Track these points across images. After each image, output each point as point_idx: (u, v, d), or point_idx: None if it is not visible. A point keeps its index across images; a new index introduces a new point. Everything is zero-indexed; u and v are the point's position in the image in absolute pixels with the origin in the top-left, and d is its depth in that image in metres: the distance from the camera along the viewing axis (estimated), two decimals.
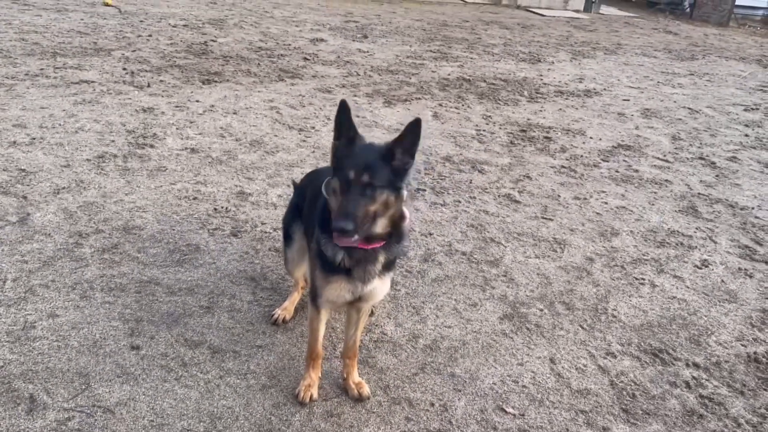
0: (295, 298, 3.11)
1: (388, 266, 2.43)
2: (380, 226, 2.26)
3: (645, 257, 4.07)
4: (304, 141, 5.34)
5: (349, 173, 2.13)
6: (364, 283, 2.38)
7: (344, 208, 2.11)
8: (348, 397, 2.65)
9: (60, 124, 4.98)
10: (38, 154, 4.42)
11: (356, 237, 2.14)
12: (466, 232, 4.13)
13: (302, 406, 2.55)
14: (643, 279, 3.80)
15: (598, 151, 5.96)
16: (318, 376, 2.65)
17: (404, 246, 2.47)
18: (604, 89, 8.37)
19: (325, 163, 4.87)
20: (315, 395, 2.60)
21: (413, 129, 2.22)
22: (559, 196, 4.85)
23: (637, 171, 5.55)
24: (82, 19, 8.51)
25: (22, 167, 4.19)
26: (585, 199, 4.85)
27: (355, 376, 2.68)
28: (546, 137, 6.16)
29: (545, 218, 4.45)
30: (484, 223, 4.26)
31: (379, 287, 2.46)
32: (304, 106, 6.23)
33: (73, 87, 5.85)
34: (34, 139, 4.65)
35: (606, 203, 4.82)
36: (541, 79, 8.53)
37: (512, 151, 5.71)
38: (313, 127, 5.68)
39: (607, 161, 5.72)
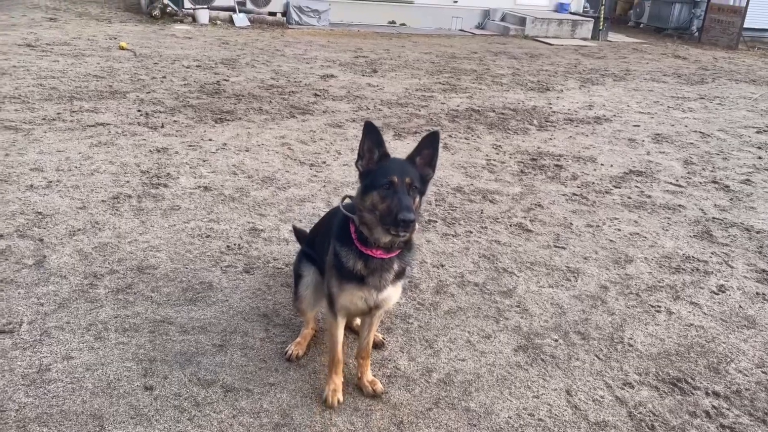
0: (308, 334, 3.11)
1: (399, 275, 2.64)
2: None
3: (660, 284, 4.02)
4: (315, 176, 5.39)
5: (394, 178, 2.39)
6: (379, 291, 2.58)
7: (402, 203, 2.33)
8: (363, 395, 2.81)
9: (76, 167, 5.08)
10: (55, 197, 4.51)
11: (416, 226, 2.41)
12: (478, 262, 4.11)
13: (330, 409, 2.71)
14: (659, 306, 3.75)
15: (609, 177, 5.94)
16: (341, 380, 2.82)
17: (413, 256, 2.75)
18: (614, 115, 8.39)
19: (336, 197, 4.92)
20: (341, 398, 2.78)
21: (432, 142, 2.51)
22: (571, 224, 4.84)
23: (649, 197, 5.52)
24: (98, 63, 8.74)
25: (39, 210, 4.27)
26: (598, 226, 4.83)
27: (369, 375, 2.89)
28: (557, 165, 6.16)
29: (558, 247, 4.42)
30: (497, 254, 4.25)
31: (393, 294, 2.66)
32: (315, 142, 6.31)
33: (89, 130, 5.98)
34: (50, 182, 4.74)
35: (619, 230, 4.79)
36: (551, 108, 8.57)
37: (523, 180, 5.72)
38: (324, 162, 5.74)
39: (619, 187, 5.70)
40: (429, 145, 2.51)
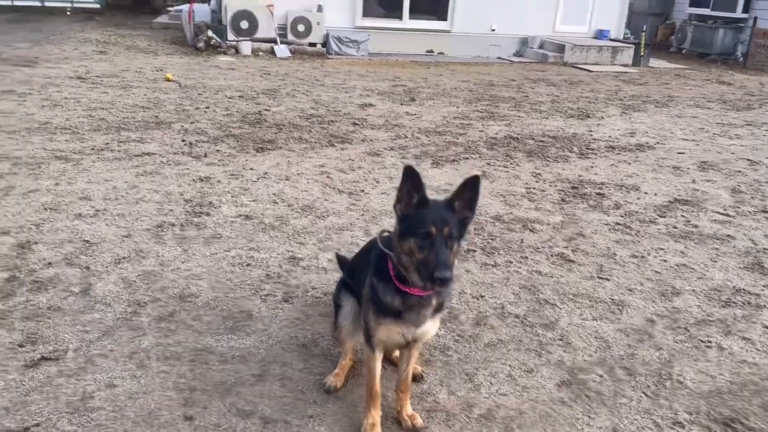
0: (346, 365, 3.09)
1: (438, 308, 2.62)
2: None
3: (710, 318, 3.88)
4: (354, 204, 5.41)
5: (432, 229, 2.38)
6: (417, 326, 2.57)
7: (439, 259, 2.33)
8: (402, 430, 2.76)
9: (122, 196, 5.21)
10: (101, 225, 4.63)
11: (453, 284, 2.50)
12: (519, 293, 4.04)
13: None
14: (710, 342, 3.61)
15: (654, 206, 5.80)
16: (379, 414, 2.76)
17: (451, 290, 2.81)
18: (658, 143, 8.23)
19: (374, 225, 4.92)
20: None
21: (472, 185, 2.46)
22: (614, 254, 4.72)
23: (696, 226, 5.37)
24: (145, 95, 9.02)
25: (86, 238, 4.38)
26: (642, 257, 4.70)
27: (408, 409, 2.83)
28: (599, 193, 6.06)
29: (601, 278, 4.32)
30: (538, 284, 4.17)
31: (431, 328, 2.70)
32: (353, 170, 6.35)
33: (136, 159, 6.15)
34: (98, 210, 4.88)
35: (665, 261, 4.65)
36: (591, 135, 8.46)
37: (564, 208, 5.63)
38: (363, 191, 5.76)
39: (664, 217, 5.55)
40: (470, 189, 2.46)
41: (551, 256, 4.63)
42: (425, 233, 2.35)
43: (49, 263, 4.00)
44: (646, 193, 6.18)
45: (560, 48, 16.08)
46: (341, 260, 3.55)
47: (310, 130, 7.73)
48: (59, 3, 22.21)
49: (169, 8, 21.31)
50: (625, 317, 3.83)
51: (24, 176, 5.49)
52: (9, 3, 21.16)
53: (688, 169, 7.09)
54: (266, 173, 6.06)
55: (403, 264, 2.44)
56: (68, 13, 20.46)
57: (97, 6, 22.32)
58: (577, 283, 4.23)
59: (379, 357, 2.74)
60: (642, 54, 16.43)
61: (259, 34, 14.15)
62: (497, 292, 4.04)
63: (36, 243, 4.26)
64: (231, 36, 13.97)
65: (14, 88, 8.81)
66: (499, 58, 16.45)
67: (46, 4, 22.21)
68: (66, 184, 5.37)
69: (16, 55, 11.61)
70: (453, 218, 2.42)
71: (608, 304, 3.97)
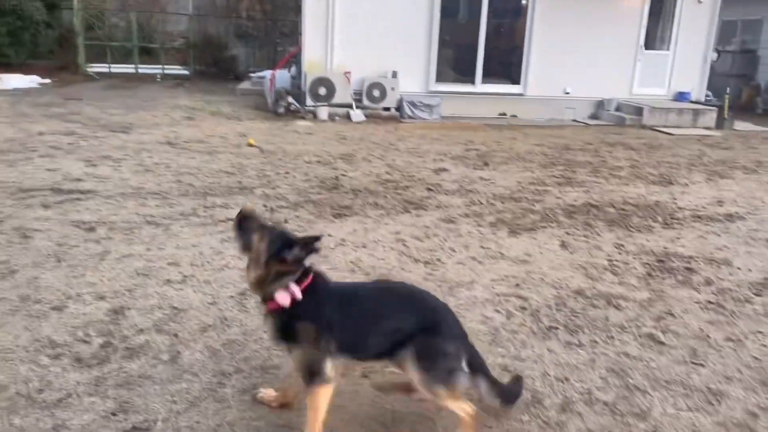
0: None
1: None
2: None
3: None
4: (430, 274, 5.39)
5: None
6: None
7: None
8: None
9: (208, 262, 5.41)
10: (188, 291, 4.80)
11: None
12: (606, 377, 3.86)
13: None
14: None
15: (749, 283, 5.48)
16: None
17: None
18: (748, 212, 7.84)
19: (452, 297, 4.86)
20: None
21: None
22: (708, 336, 4.46)
23: None
24: (229, 160, 9.46)
25: (175, 305, 4.55)
26: (739, 340, 4.42)
27: None
28: (687, 268, 5.79)
29: (695, 363, 4.07)
30: (626, 368, 3.98)
31: None
32: (429, 238, 6.36)
33: (221, 225, 6.40)
34: (185, 276, 5.07)
35: (765, 346, 4.35)
36: (675, 203, 8.17)
37: (650, 284, 5.40)
38: (439, 260, 5.74)
39: (761, 295, 5.23)
40: None
41: (639, 336, 4.42)
42: None
43: (141, 330, 4.16)
44: (739, 268, 5.86)
45: (638, 110, 15.82)
46: None
47: (386, 196, 7.85)
48: (151, 70, 23.98)
49: (252, 74, 22.51)
50: (724, 409, 3.58)
51: (119, 241, 5.81)
52: (107, 70, 23.00)
53: None
54: (344, 240, 6.16)
55: None
56: (159, 79, 21.98)
57: (186, 73, 23.91)
58: (669, 367, 4.01)
59: None
60: (725, 117, 15.92)
61: (335, 100, 14.68)
62: (583, 375, 3.87)
63: (129, 309, 4.46)
64: (309, 101, 14.56)
65: (111, 154, 9.44)
66: (573, 120, 16.34)
67: (140, 71, 24.01)
68: (156, 249, 5.64)
69: (112, 122, 12.49)
70: None
71: (704, 393, 3.73)
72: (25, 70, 18.72)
